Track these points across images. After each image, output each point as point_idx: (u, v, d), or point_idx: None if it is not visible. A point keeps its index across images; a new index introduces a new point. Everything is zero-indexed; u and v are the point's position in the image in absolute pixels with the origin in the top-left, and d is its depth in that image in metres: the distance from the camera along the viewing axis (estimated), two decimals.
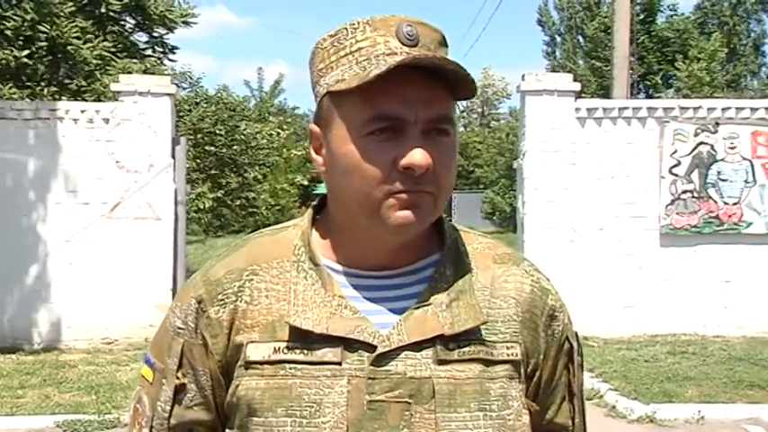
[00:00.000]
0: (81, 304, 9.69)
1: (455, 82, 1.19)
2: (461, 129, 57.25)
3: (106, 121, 9.82)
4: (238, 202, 24.66)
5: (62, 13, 12.54)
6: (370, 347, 1.19)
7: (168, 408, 1.29)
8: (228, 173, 22.62)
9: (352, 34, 1.21)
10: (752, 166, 10.03)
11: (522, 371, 1.28)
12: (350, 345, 1.19)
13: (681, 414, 6.85)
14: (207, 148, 21.12)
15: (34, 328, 9.76)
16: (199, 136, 20.56)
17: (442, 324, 1.21)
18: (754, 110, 10.13)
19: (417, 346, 1.20)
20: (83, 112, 9.87)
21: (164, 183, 9.84)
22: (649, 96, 28.55)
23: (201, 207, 20.91)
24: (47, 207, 9.79)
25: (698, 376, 7.91)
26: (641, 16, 29.59)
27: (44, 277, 9.78)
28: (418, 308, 1.23)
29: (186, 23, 15.06)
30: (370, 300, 1.24)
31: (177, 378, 1.29)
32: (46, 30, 12.32)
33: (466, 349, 1.22)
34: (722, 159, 10.02)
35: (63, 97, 12.32)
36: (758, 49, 32.92)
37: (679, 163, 10.01)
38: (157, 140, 9.85)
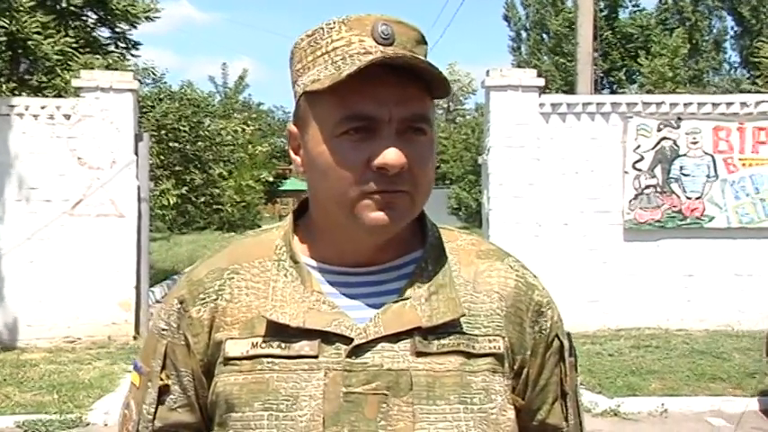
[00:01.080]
0: (42, 302, 9.56)
1: (431, 81, 1.19)
2: None
3: (67, 117, 9.70)
4: (203, 199, 24.55)
5: (22, 8, 12.34)
6: (347, 340, 1.19)
7: (152, 410, 1.30)
8: (193, 169, 22.50)
9: (328, 34, 1.21)
10: (714, 160, 10.12)
11: (507, 365, 1.26)
12: (327, 338, 1.19)
13: (644, 407, 6.92)
14: (171, 144, 20.99)
15: None
16: (162, 132, 20.41)
17: (420, 316, 1.21)
18: (715, 105, 10.23)
19: (395, 338, 1.19)
20: (43, 108, 9.74)
21: (126, 179, 9.74)
22: (613, 92, 28.77)
23: (166, 204, 20.77)
24: (6, 204, 9.65)
25: (661, 370, 7.98)
26: (605, 12, 29.82)
27: (4, 275, 9.64)
28: (397, 302, 1.23)
29: (149, 18, 14.90)
30: (348, 296, 1.24)
31: (161, 379, 1.29)
32: (5, 24, 12.12)
33: (445, 341, 1.21)
34: (684, 154, 10.11)
35: (23, 93, 12.13)
36: (719, 46, 33.31)
37: (642, 158, 10.09)
38: (120, 137, 9.75)
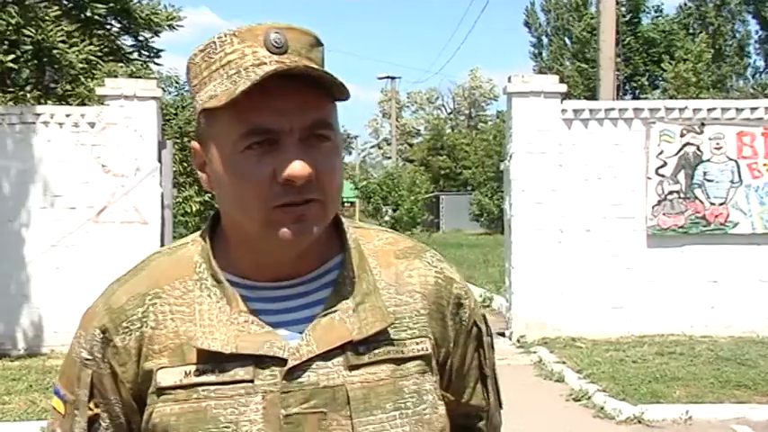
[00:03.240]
0: (67, 309, 9.61)
1: (329, 85, 1.17)
2: (449, 131, 57.32)
3: (92, 125, 9.78)
4: None
5: (47, 17, 12.48)
6: (281, 361, 1.18)
7: None
8: None
9: (221, 47, 1.19)
10: (738, 166, 10.06)
11: (434, 363, 1.28)
12: (261, 361, 1.18)
13: (669, 414, 6.86)
14: None
15: (20, 333, 9.71)
16: (185, 139, 20.46)
17: (350, 330, 1.21)
18: (739, 110, 10.17)
19: (327, 355, 1.20)
20: (68, 116, 9.83)
21: (150, 187, 9.81)
22: (636, 97, 28.66)
23: (189, 211, 20.84)
24: (32, 212, 9.74)
25: (686, 377, 7.93)
26: (627, 17, 29.70)
27: (30, 282, 9.73)
28: (325, 315, 1.22)
29: (172, 27, 15.02)
30: (276, 312, 1.23)
31: (90, 409, 1.26)
32: (31, 34, 12.25)
33: (376, 351, 1.22)
34: (708, 160, 10.05)
35: (48, 102, 12.25)
36: (743, 50, 33.09)
37: (665, 164, 10.04)
38: (144, 144, 9.82)
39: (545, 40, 37.55)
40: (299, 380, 1.18)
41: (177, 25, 15.14)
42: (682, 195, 10.05)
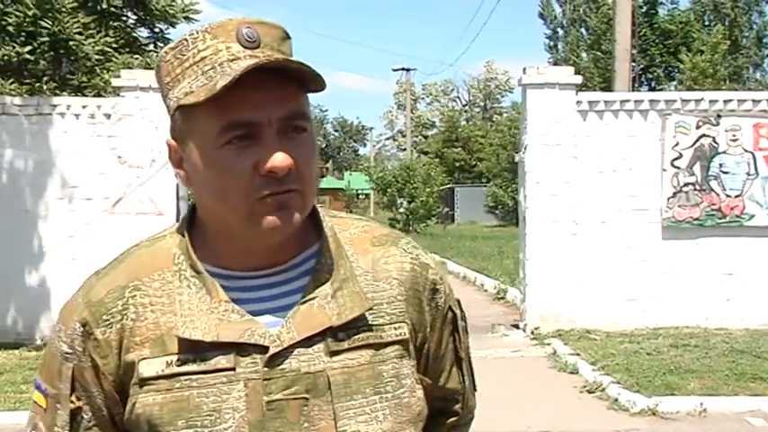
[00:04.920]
0: None
1: (303, 77, 1.19)
2: (464, 123, 57.23)
3: (108, 116, 9.84)
4: None
5: (64, 9, 12.52)
6: (263, 349, 1.20)
7: None
8: None
9: (193, 44, 1.20)
10: (754, 158, 10.01)
11: (412, 347, 1.31)
12: (242, 349, 1.20)
13: (683, 407, 6.86)
14: None
15: (37, 323, 9.78)
16: None
17: (329, 316, 1.23)
18: (756, 102, 10.11)
19: (308, 342, 1.21)
20: (84, 107, 9.88)
21: (166, 178, 9.85)
22: (652, 89, 28.53)
23: None
24: (48, 203, 9.81)
25: (700, 369, 7.91)
26: (643, 9, 29.55)
27: (47, 273, 9.80)
28: (304, 302, 1.24)
29: (187, 18, 15.02)
30: (255, 300, 1.25)
31: (72, 402, 1.27)
32: (48, 25, 12.30)
33: (355, 337, 1.24)
34: (724, 152, 10.01)
35: (64, 93, 12.31)
36: (761, 41, 32.88)
37: (681, 155, 10.00)
38: (159, 135, 9.84)
39: (560, 31, 37.42)
40: (281, 367, 1.20)
41: (193, 17, 15.15)
42: (697, 187, 10.01)
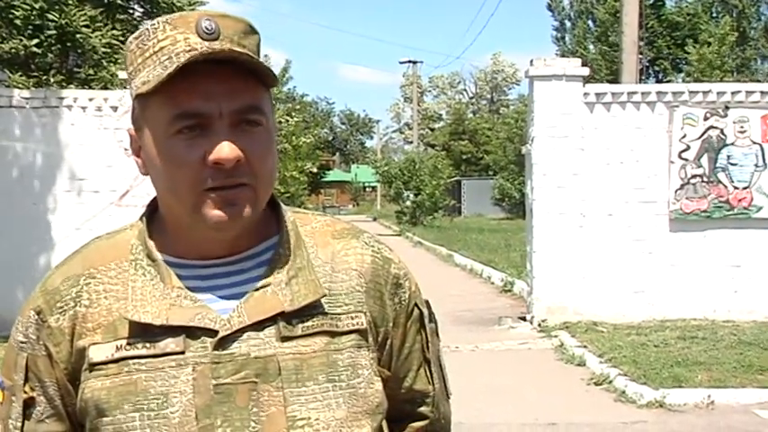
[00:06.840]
0: None
1: (259, 71, 1.19)
2: (470, 115, 57.15)
3: (114, 109, 9.85)
4: None
5: (70, 2, 12.52)
6: (212, 333, 1.19)
7: (19, 424, 1.27)
8: None
9: (154, 34, 1.20)
10: (762, 149, 9.98)
11: (371, 339, 1.29)
12: (192, 333, 1.19)
13: (690, 399, 6.85)
14: None
15: None
16: None
17: (281, 302, 1.22)
18: (764, 93, 10.08)
19: (259, 326, 1.21)
20: (91, 100, 9.90)
21: None
22: (659, 81, 28.46)
23: None
24: (56, 195, 9.83)
25: (708, 361, 7.90)
26: (651, 0, 29.47)
27: (54, 265, 9.81)
28: (258, 289, 1.24)
29: (194, 11, 15.05)
30: (209, 288, 1.25)
31: (25, 392, 1.26)
32: (55, 18, 12.31)
33: (309, 323, 1.23)
34: (732, 143, 9.98)
35: (71, 86, 12.33)
36: None
37: (688, 147, 9.97)
38: None
39: (568, 23, 37.32)
40: (230, 351, 1.19)
41: (199, 9, 15.16)
42: (705, 179, 9.98)
